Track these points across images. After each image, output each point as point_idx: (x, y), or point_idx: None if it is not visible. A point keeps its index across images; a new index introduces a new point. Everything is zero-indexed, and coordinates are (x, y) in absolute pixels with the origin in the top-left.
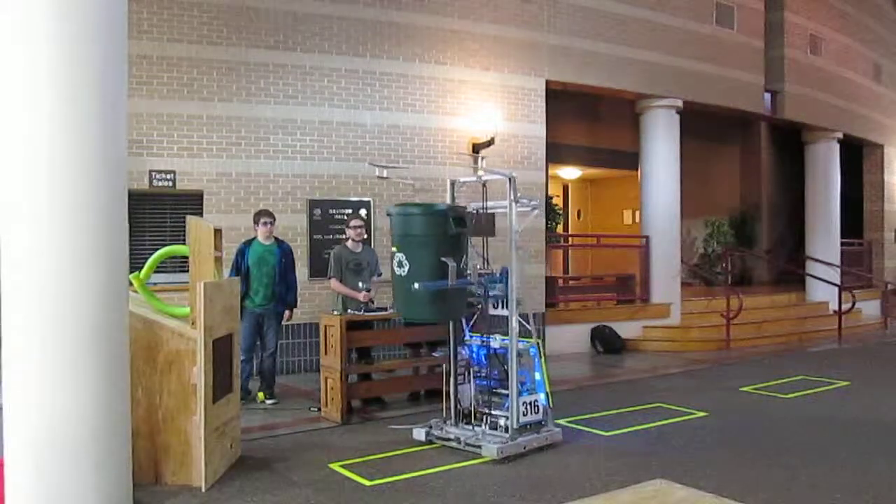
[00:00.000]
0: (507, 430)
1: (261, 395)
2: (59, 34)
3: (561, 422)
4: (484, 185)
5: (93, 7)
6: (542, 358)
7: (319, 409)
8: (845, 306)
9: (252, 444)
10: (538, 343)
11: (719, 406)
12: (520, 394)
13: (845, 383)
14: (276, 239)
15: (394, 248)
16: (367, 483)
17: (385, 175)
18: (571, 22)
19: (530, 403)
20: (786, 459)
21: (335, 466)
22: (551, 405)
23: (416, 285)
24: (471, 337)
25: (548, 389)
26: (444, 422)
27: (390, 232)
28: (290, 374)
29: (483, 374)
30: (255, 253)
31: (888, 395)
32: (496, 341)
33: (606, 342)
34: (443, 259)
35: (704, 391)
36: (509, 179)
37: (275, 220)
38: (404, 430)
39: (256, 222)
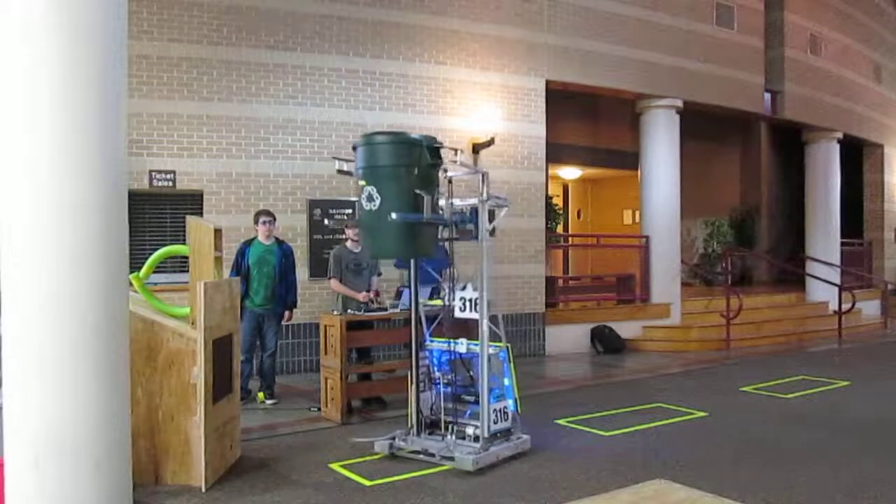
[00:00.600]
0: (476, 439)
1: (261, 395)
2: (60, 34)
3: (561, 421)
4: (450, 181)
5: (93, 7)
6: (511, 362)
7: (319, 409)
8: (845, 306)
9: (252, 444)
10: (508, 346)
11: (719, 406)
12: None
13: (845, 383)
14: (276, 239)
15: (361, 182)
16: (367, 483)
17: (346, 169)
18: (571, 22)
19: (500, 410)
20: (785, 459)
21: (335, 466)
22: (520, 411)
23: (394, 215)
24: (431, 341)
25: (516, 395)
26: (408, 433)
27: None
28: (290, 374)
29: (447, 381)
30: (256, 253)
31: (888, 394)
32: (462, 346)
33: (606, 342)
34: (417, 191)
35: (704, 391)
36: (482, 175)
37: (275, 219)
38: (366, 442)
39: (256, 222)
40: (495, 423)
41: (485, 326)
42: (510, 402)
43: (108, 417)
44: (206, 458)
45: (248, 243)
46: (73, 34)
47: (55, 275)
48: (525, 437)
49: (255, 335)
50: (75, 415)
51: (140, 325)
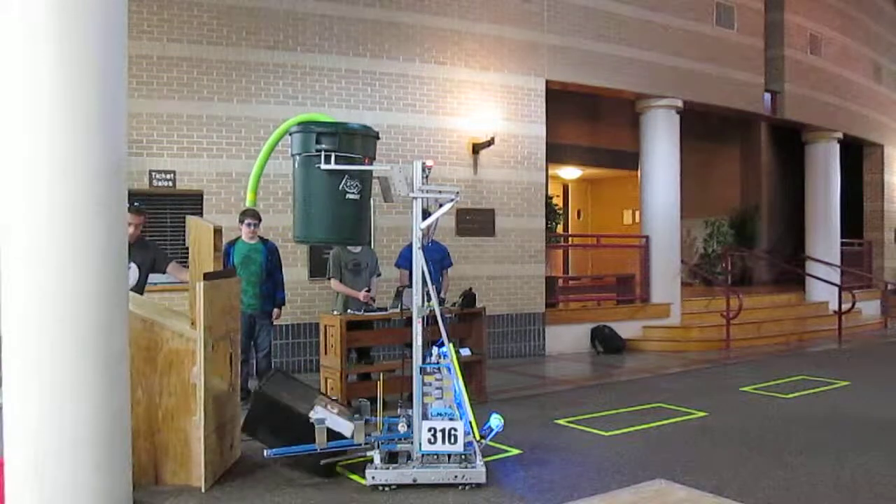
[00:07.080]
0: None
1: None
2: (59, 34)
3: (561, 422)
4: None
5: (93, 7)
6: (457, 367)
7: None
8: (845, 306)
9: (252, 445)
10: (452, 343)
11: (719, 406)
12: (427, 417)
13: (845, 383)
14: (260, 238)
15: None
16: (367, 483)
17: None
18: (571, 22)
19: (445, 431)
20: (785, 459)
21: (335, 466)
22: (477, 436)
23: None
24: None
25: (468, 411)
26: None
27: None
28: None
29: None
30: (240, 253)
31: (888, 394)
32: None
33: (606, 342)
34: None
35: (704, 391)
36: (424, 167)
37: (260, 220)
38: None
39: (241, 222)
40: (431, 443)
41: (417, 326)
42: (459, 424)
43: (108, 417)
44: (206, 458)
45: (232, 243)
46: (73, 34)
47: (55, 275)
48: (479, 465)
49: (249, 335)
50: (75, 415)
51: (140, 325)
